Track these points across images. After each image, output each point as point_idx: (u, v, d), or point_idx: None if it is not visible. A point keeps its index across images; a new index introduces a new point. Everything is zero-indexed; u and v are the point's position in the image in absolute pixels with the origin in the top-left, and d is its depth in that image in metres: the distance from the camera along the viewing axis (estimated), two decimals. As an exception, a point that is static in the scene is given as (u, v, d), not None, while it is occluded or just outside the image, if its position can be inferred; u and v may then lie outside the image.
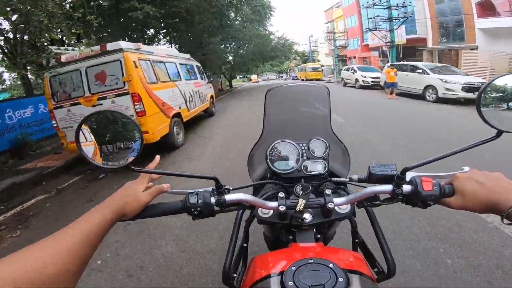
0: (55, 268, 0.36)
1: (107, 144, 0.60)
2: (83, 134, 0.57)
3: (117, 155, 0.60)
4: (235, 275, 0.73)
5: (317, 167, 0.81)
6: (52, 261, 0.36)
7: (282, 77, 63.41)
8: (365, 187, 0.62)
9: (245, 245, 0.85)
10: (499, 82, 0.55)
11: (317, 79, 31.50)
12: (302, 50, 45.68)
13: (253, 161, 0.97)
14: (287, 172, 0.81)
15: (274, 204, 0.63)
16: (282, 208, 0.62)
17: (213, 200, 0.60)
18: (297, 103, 1.00)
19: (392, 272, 0.68)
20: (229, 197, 0.61)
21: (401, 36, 18.59)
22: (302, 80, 36.33)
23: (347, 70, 17.04)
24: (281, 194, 0.65)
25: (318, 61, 41.75)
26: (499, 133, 0.54)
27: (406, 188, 0.57)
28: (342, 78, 17.90)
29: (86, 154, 0.57)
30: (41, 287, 0.33)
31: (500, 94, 0.55)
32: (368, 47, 26.08)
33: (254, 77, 59.73)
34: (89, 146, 0.58)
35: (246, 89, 27.00)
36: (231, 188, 0.65)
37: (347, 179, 0.70)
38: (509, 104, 0.55)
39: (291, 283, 0.46)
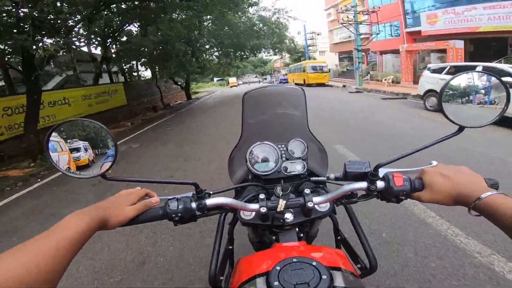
0: (34, 273, 0.35)
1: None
2: (57, 143, 0.56)
3: (91, 164, 0.59)
4: (222, 277, 0.75)
5: (296, 168, 0.81)
6: (30, 267, 0.35)
7: (266, 79, 53.07)
8: (343, 185, 0.64)
9: (230, 247, 0.86)
10: (458, 80, 0.57)
11: (321, 84, 21.08)
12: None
13: (234, 164, 0.98)
14: (267, 173, 0.80)
15: (255, 206, 0.64)
16: (263, 210, 0.63)
17: (194, 205, 0.60)
18: (274, 105, 1.02)
19: (373, 267, 0.71)
20: (210, 201, 0.62)
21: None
22: (297, 84, 26.01)
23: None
24: (261, 196, 0.66)
25: (314, 58, 31.54)
26: (461, 128, 0.58)
27: (380, 184, 0.59)
28: (430, 91, 7.32)
29: (57, 164, 0.56)
30: None
31: (460, 92, 0.58)
32: (414, 37, 15.77)
33: (232, 80, 48.70)
34: (62, 155, 0.57)
35: (214, 103, 16.09)
36: (211, 192, 0.65)
37: (325, 178, 0.72)
38: (468, 101, 0.58)
39: (276, 283, 0.47)
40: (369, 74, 19.18)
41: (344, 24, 16.29)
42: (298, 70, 24.07)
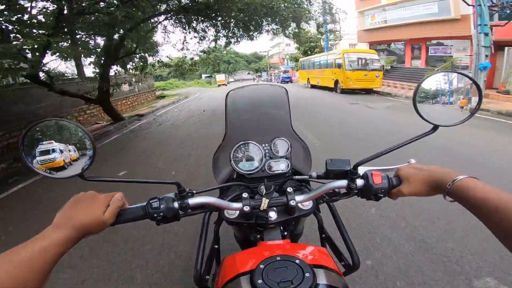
0: (11, 284, 0.36)
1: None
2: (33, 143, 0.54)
3: (67, 165, 0.57)
4: (208, 276, 0.75)
5: (280, 166, 0.82)
6: (8, 278, 0.36)
7: (260, 77, 43.88)
8: (325, 183, 0.65)
9: (216, 246, 0.87)
10: (430, 81, 0.59)
11: (367, 90, 12.04)
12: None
13: (218, 163, 0.97)
14: (251, 172, 0.81)
15: (238, 205, 0.65)
16: (246, 209, 0.63)
17: (176, 204, 0.60)
18: (257, 104, 1.01)
19: (356, 264, 0.72)
20: (192, 200, 0.61)
21: None
22: (313, 87, 17.01)
23: None
24: (245, 195, 0.66)
25: (322, 50, 22.16)
26: (435, 127, 0.59)
27: (359, 182, 0.61)
28: None
29: (32, 164, 0.54)
30: None
31: (434, 92, 0.60)
32: None
33: (220, 77, 39.30)
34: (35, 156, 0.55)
35: (157, 134, 6.59)
36: (194, 192, 0.64)
37: (308, 176, 0.71)
38: (442, 101, 0.60)
39: (260, 281, 0.47)
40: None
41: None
42: (322, 66, 14.82)
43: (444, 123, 0.58)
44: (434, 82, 0.59)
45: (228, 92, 0.98)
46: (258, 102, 1.01)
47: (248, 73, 51.85)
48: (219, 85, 36.83)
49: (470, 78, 0.58)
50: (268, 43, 66.14)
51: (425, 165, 0.57)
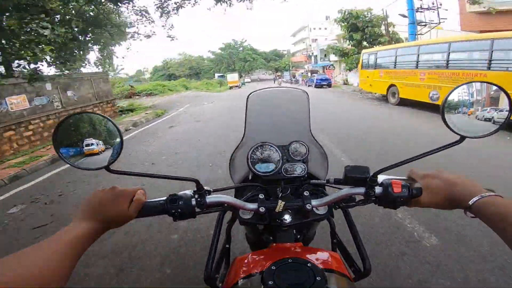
0: (38, 275, 0.37)
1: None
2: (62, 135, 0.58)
3: (96, 156, 0.60)
4: (217, 275, 0.75)
5: (296, 170, 0.81)
6: (37, 272, 0.37)
7: (281, 77, 35.71)
8: (341, 189, 0.66)
9: (227, 246, 0.87)
10: (460, 91, 0.57)
11: None
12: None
13: (235, 163, 0.99)
14: (267, 174, 0.81)
15: (254, 205, 0.65)
16: (262, 210, 0.64)
17: (194, 202, 0.61)
18: (277, 107, 1.05)
19: (367, 271, 0.70)
20: (210, 199, 0.63)
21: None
22: (402, 102, 8.52)
23: None
24: (261, 196, 0.67)
25: (399, 40, 13.32)
26: (462, 138, 0.57)
27: (378, 190, 0.61)
28: None
29: (63, 156, 0.57)
30: None
31: (462, 103, 0.58)
32: None
33: (232, 77, 31.40)
34: (67, 147, 0.60)
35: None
36: (212, 190, 0.66)
37: (325, 181, 0.73)
38: (468, 112, 0.58)
39: (271, 282, 0.48)
40: None
41: None
42: (464, 62, 6.23)
43: (471, 134, 0.56)
44: (463, 92, 0.58)
45: (250, 93, 0.98)
46: (278, 104, 1.02)
47: (264, 74, 44.34)
48: (230, 87, 28.88)
49: (500, 88, 0.55)
50: (290, 40, 57.34)
51: (452, 172, 0.55)
